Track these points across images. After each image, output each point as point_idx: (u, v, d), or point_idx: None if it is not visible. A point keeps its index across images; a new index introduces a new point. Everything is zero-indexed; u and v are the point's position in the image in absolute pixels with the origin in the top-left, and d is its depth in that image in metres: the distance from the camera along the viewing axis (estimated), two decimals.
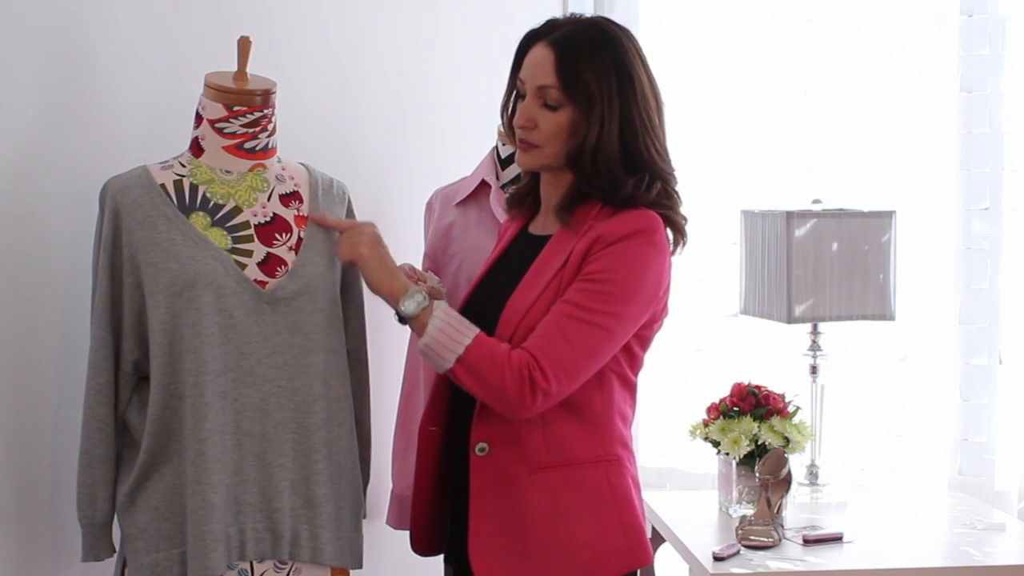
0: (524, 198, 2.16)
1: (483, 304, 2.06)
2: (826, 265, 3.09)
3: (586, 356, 1.93)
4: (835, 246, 3.10)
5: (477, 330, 1.93)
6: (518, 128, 2.02)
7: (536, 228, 2.13)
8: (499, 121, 2.20)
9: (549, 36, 2.01)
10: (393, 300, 1.99)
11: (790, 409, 3.03)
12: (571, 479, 1.99)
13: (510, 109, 2.10)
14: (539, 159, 2.02)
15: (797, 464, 3.10)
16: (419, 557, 2.18)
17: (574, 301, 1.93)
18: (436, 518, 2.14)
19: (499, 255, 2.16)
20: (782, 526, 2.82)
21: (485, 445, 1.99)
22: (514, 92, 2.08)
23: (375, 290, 2.02)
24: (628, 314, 1.96)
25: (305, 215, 2.20)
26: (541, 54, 2.00)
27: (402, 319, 2.00)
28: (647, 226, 1.97)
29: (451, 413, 2.09)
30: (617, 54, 1.98)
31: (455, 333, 1.92)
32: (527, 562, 1.97)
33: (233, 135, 2.16)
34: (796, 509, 3.04)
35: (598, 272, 1.94)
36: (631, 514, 2.03)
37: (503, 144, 2.61)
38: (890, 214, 3.17)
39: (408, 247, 2.80)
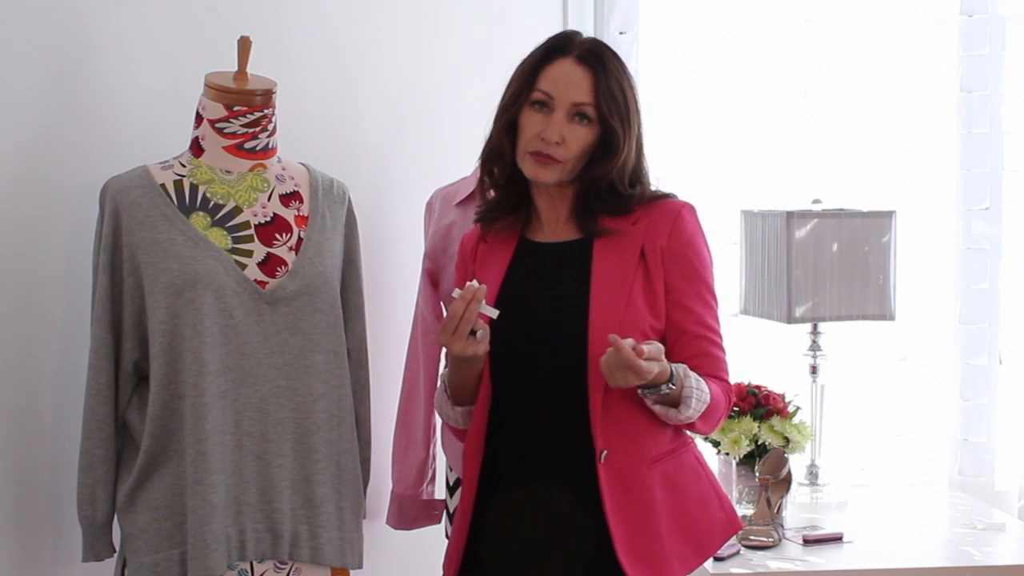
0: (507, 214, 2.14)
1: (543, 322, 2.03)
2: (826, 265, 3.09)
3: None
4: (835, 246, 3.10)
5: (705, 383, 2.00)
6: (545, 142, 2.01)
7: (547, 236, 2.11)
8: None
9: (573, 52, 2.03)
10: (660, 382, 1.96)
11: (790, 409, 3.03)
12: (677, 465, 2.08)
13: (511, 116, 2.07)
14: (558, 174, 2.03)
15: (797, 464, 3.10)
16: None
17: (708, 314, 2.07)
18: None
19: (507, 269, 2.12)
20: (782, 526, 2.82)
21: (607, 451, 2.00)
22: (519, 100, 2.05)
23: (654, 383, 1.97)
24: None
25: (305, 215, 2.20)
26: (574, 71, 2.02)
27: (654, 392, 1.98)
28: (694, 212, 2.11)
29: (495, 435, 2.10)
30: (628, 73, 2.07)
31: (701, 394, 1.98)
32: (663, 553, 2.01)
33: (233, 135, 2.16)
34: (796, 509, 3.04)
35: (701, 273, 2.07)
36: (719, 486, 2.16)
37: None
38: (890, 214, 3.17)
39: (408, 247, 2.81)
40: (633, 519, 2.00)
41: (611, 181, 2.04)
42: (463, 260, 2.22)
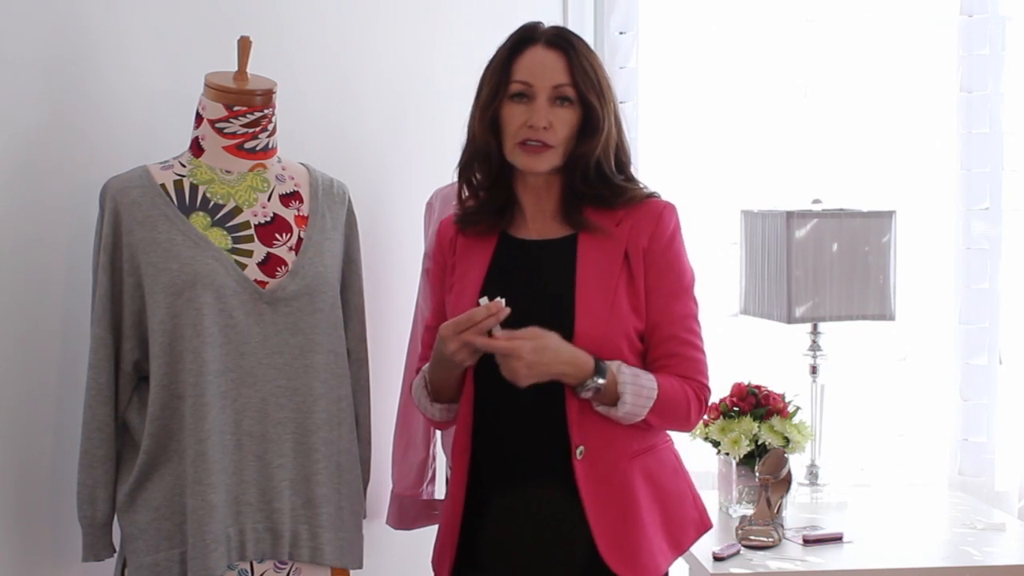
0: (494, 214, 2.12)
1: (527, 321, 1.99)
2: (826, 265, 3.08)
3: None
4: (835, 246, 3.09)
5: (653, 378, 2.01)
6: (535, 130, 2.01)
7: (530, 233, 2.11)
8: None
9: (541, 39, 2.05)
10: (584, 378, 1.97)
11: (790, 409, 3.03)
12: (658, 461, 2.10)
13: (493, 113, 2.06)
14: (551, 160, 2.04)
15: (797, 464, 3.10)
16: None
17: (683, 314, 2.07)
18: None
19: (490, 264, 2.11)
20: (782, 526, 2.82)
21: (583, 447, 2.01)
22: (497, 96, 2.05)
23: (573, 383, 1.98)
24: None
25: (305, 215, 2.20)
26: (547, 56, 2.03)
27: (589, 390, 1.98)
28: (675, 212, 2.11)
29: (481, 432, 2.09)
30: (594, 53, 2.09)
31: (640, 389, 1.99)
32: (647, 546, 2.03)
33: (233, 135, 2.16)
34: (796, 509, 3.04)
35: (679, 274, 2.08)
36: (693, 484, 2.18)
37: None
38: (890, 214, 3.17)
39: (408, 247, 2.81)
40: (615, 513, 2.01)
41: (598, 161, 2.04)
42: (441, 250, 2.20)
